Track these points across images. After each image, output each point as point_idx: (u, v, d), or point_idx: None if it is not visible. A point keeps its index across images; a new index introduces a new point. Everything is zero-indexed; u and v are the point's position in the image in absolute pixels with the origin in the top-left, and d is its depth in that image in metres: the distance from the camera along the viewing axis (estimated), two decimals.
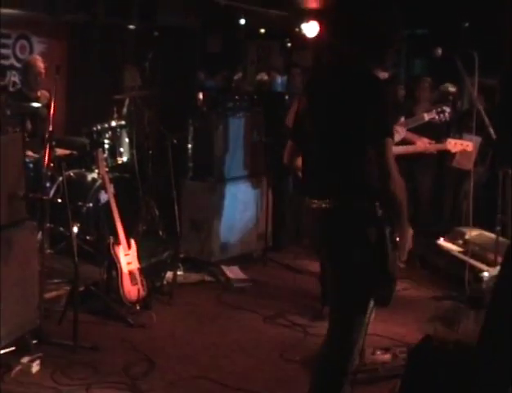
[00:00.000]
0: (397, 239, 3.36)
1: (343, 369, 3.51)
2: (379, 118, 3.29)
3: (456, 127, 7.46)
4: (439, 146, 6.39)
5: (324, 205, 3.42)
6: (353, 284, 3.42)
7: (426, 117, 5.69)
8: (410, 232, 3.43)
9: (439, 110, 5.67)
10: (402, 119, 5.59)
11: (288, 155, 3.83)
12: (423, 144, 6.45)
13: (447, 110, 5.64)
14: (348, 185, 3.39)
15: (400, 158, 5.73)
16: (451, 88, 8.32)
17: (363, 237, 3.32)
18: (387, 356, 4.69)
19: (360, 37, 3.41)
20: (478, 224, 6.50)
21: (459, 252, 6.59)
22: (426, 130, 6.56)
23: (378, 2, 3.46)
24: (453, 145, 6.11)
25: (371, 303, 3.48)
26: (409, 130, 6.40)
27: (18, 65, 8.71)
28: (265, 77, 11.14)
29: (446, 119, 5.73)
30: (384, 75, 4.86)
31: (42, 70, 7.10)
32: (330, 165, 3.45)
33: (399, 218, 3.33)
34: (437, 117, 5.75)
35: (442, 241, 6.95)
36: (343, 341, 3.51)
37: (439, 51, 5.67)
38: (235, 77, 12.05)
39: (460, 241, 6.71)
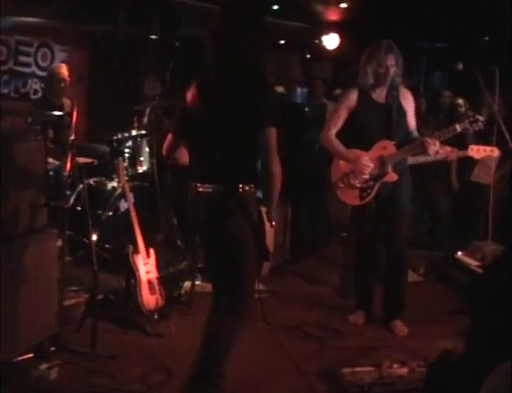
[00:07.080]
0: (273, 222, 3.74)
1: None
2: (266, 108, 3.63)
3: (475, 141, 7.39)
4: (461, 153, 6.21)
5: (210, 190, 3.75)
6: (238, 259, 3.78)
7: (458, 128, 5.42)
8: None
9: (471, 119, 5.40)
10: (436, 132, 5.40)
11: (168, 148, 4.06)
12: (444, 151, 6.07)
13: (480, 118, 5.35)
14: (232, 171, 3.72)
15: (412, 169, 5.71)
16: (460, 101, 8.22)
17: (246, 217, 3.68)
18: (404, 370, 4.67)
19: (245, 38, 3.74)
20: (496, 239, 6.46)
21: (477, 267, 6.56)
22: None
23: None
24: (476, 151, 5.92)
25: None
26: None
27: (39, 73, 8.81)
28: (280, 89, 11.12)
29: (480, 128, 5.44)
30: None
31: (67, 77, 7.19)
32: (217, 152, 3.75)
33: (275, 193, 3.67)
34: (470, 127, 5.46)
35: (460, 255, 6.91)
36: (236, 307, 3.93)
37: (460, 65, 5.64)
38: None
39: (478, 256, 6.68)
